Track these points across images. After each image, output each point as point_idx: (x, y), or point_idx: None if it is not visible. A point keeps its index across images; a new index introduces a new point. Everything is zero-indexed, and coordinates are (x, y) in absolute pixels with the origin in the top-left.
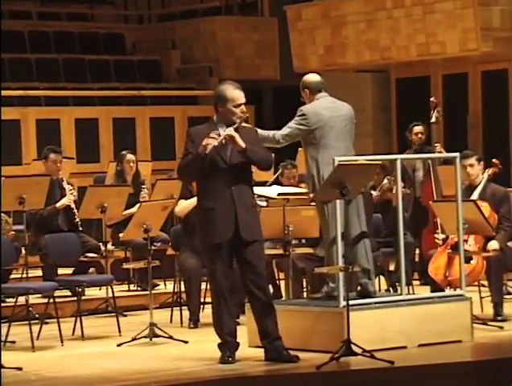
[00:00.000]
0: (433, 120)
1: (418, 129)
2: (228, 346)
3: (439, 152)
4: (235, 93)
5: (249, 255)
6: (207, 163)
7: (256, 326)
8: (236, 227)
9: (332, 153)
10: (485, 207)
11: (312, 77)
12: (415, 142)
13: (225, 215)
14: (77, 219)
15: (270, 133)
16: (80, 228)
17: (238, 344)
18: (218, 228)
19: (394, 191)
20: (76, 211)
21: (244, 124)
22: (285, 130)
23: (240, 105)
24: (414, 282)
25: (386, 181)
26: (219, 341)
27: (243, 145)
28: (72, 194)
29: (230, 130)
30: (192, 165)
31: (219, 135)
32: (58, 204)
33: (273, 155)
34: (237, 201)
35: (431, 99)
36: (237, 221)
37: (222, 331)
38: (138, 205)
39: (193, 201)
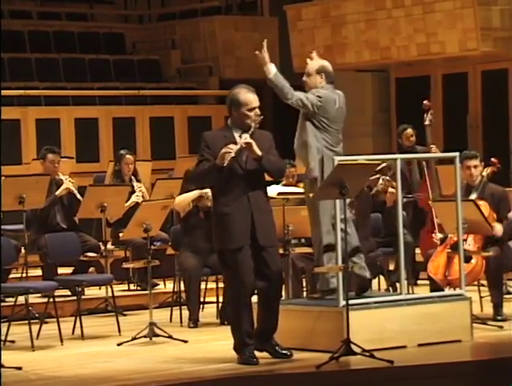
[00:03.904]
0: (427, 122)
1: (410, 132)
2: (248, 347)
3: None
4: (248, 97)
5: (265, 259)
6: (223, 170)
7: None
8: (253, 233)
9: (331, 135)
10: (484, 206)
11: (331, 67)
12: (409, 146)
13: (241, 221)
14: (79, 197)
15: (286, 87)
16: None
17: (254, 345)
18: (235, 234)
19: (389, 192)
20: (78, 194)
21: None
22: (300, 95)
23: (254, 109)
24: None
25: (381, 181)
26: (234, 343)
27: (259, 153)
28: (69, 181)
29: (247, 138)
30: (208, 175)
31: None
32: (57, 192)
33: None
34: (254, 206)
35: (425, 102)
36: (254, 226)
37: (241, 334)
38: (133, 196)
39: (190, 194)
